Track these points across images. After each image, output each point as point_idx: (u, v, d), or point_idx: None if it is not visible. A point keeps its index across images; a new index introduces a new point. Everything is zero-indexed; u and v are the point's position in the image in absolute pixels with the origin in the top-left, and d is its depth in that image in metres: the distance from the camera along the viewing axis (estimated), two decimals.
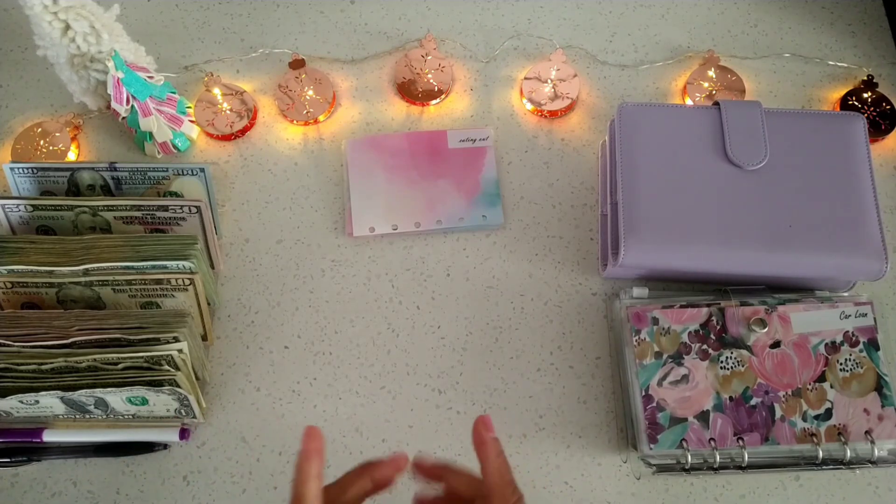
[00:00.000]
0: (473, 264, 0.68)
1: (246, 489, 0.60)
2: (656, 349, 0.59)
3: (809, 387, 0.58)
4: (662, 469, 0.57)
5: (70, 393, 0.55)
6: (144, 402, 0.58)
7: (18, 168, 0.66)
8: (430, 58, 0.74)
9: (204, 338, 0.64)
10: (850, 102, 0.73)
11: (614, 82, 0.75)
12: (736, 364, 0.59)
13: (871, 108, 0.73)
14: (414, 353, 0.65)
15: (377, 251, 0.68)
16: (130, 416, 0.59)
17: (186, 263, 0.60)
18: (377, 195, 0.69)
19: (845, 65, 0.76)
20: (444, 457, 0.61)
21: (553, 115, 0.73)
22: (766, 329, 0.59)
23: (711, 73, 0.74)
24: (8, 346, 0.56)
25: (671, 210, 0.60)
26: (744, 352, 0.59)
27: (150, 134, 0.69)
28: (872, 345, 0.60)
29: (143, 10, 0.78)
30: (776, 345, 0.60)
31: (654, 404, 0.58)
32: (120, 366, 0.56)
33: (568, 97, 0.73)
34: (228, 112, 0.72)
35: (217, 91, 0.72)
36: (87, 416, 0.59)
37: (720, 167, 0.62)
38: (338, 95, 0.74)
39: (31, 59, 0.75)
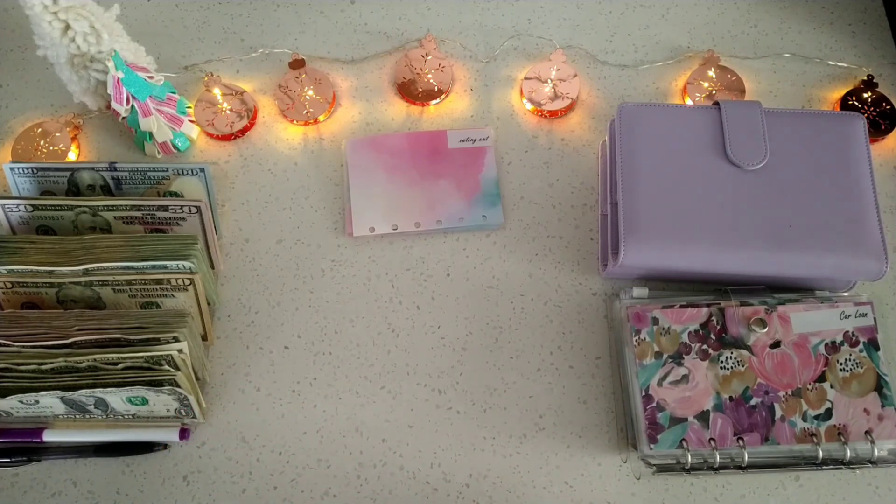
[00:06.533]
0: (473, 264, 0.68)
1: (246, 489, 0.60)
2: (656, 349, 0.59)
3: (809, 387, 0.58)
4: (662, 469, 0.57)
5: (70, 393, 0.55)
6: (144, 402, 0.58)
7: (18, 168, 0.66)
8: (430, 58, 0.74)
9: (204, 338, 0.64)
10: (850, 102, 0.73)
11: (614, 82, 0.75)
12: (736, 364, 0.59)
13: (871, 108, 0.73)
14: (414, 353, 0.65)
15: (377, 251, 0.68)
16: (130, 416, 0.59)
17: (186, 263, 0.60)
18: (377, 195, 0.69)
19: (845, 65, 0.76)
20: (443, 456, 0.61)
21: (553, 115, 0.73)
22: (766, 329, 0.59)
23: (711, 73, 0.74)
24: (8, 346, 0.56)
25: (671, 210, 0.60)
26: (744, 352, 0.59)
27: (150, 134, 0.69)
28: (872, 345, 0.60)
29: (143, 10, 0.78)
30: (776, 345, 0.60)
31: (654, 404, 0.58)
32: (120, 366, 0.56)
33: (568, 97, 0.73)
34: (228, 112, 0.72)
35: (217, 91, 0.72)
36: (87, 416, 0.59)
37: (720, 167, 0.62)
38: (338, 95, 0.74)
39: (31, 59, 0.75)
